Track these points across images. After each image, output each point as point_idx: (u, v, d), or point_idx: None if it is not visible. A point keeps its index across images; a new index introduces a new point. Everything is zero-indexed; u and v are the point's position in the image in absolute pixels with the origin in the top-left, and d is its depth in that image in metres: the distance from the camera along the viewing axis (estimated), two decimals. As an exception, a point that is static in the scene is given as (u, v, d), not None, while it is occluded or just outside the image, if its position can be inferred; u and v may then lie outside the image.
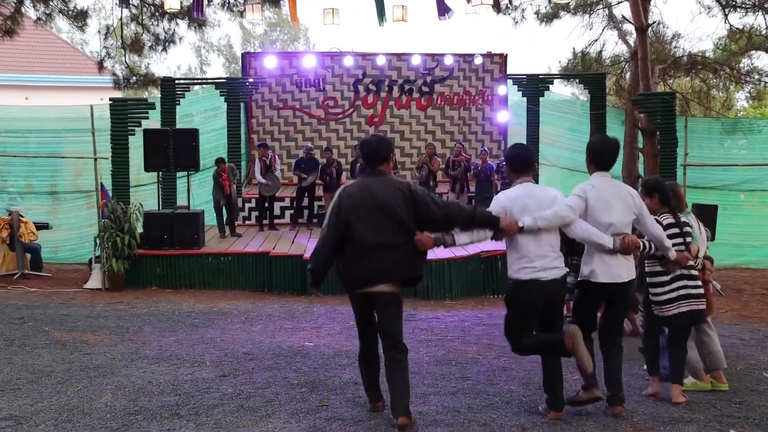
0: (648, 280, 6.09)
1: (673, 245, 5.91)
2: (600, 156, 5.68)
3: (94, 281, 12.84)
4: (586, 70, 20.08)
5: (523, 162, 5.60)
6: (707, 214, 13.02)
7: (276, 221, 15.59)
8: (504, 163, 16.22)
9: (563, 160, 19.53)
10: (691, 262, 6.04)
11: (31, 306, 10.83)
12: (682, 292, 5.98)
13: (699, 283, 6.14)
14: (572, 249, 6.79)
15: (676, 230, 6.04)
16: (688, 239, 6.10)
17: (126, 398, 5.98)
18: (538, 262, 5.33)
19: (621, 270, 5.53)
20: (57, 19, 18.03)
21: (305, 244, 13.60)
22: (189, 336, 8.65)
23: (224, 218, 14.60)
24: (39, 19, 17.29)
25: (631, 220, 5.62)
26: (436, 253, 12.57)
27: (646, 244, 5.77)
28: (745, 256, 16.99)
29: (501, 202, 5.45)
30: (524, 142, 17.75)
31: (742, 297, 12.55)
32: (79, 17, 17.34)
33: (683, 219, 6.21)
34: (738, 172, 17.48)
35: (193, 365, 7.16)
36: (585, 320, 5.65)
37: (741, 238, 17.14)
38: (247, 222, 16.29)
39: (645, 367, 6.52)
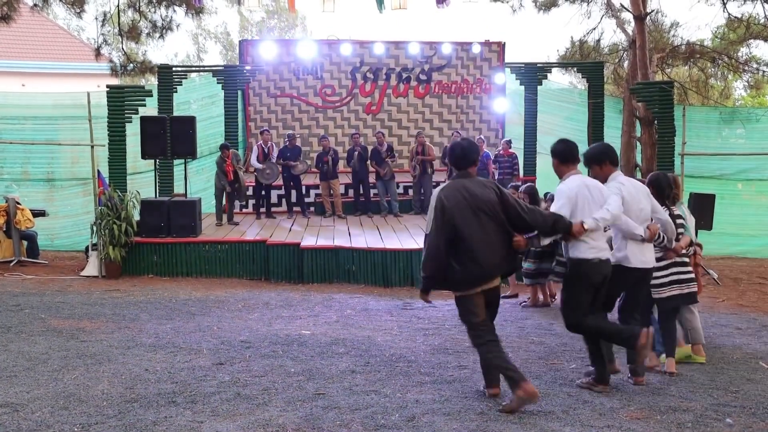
0: None
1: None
2: (615, 154, 6.39)
3: (91, 269, 12.83)
4: (584, 59, 20.06)
5: (570, 154, 6.07)
6: (705, 204, 13.07)
7: (273, 209, 15.57)
8: (500, 153, 16.26)
9: (561, 149, 19.50)
10: (683, 251, 6.81)
11: (27, 293, 10.82)
12: (674, 277, 6.74)
13: (690, 269, 6.91)
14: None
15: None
16: (681, 230, 6.78)
17: (122, 386, 5.98)
18: (600, 242, 5.89)
19: (649, 256, 6.24)
20: (54, 5, 17.92)
21: (302, 232, 13.59)
22: (186, 324, 8.65)
23: (223, 205, 14.57)
24: (36, 5, 17.18)
25: (650, 212, 6.28)
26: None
27: (660, 233, 6.42)
28: (743, 245, 17.02)
29: (567, 196, 5.87)
30: (521, 130, 17.79)
31: (739, 286, 12.58)
32: (76, 3, 17.23)
33: (677, 211, 6.90)
34: (736, 162, 17.49)
35: (190, 353, 7.16)
36: (609, 301, 6.23)
37: (738, 228, 17.16)
38: (244, 210, 16.27)
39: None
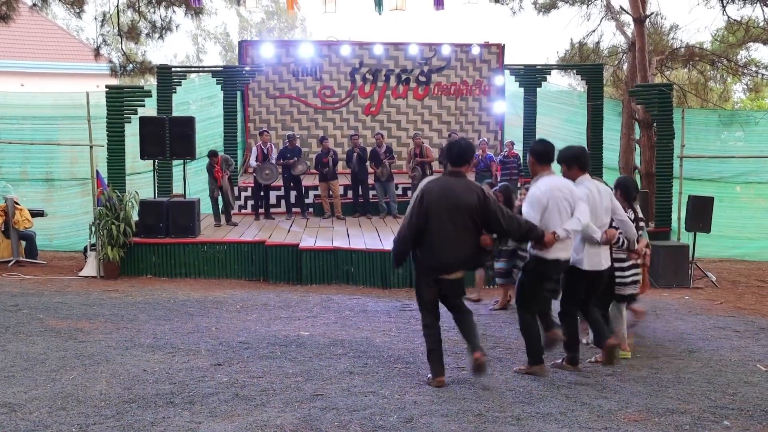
0: (614, 265, 6.96)
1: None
2: (587, 159, 6.72)
3: (90, 269, 12.82)
4: (583, 61, 20.07)
5: (546, 155, 6.38)
6: (703, 207, 13.09)
7: (272, 210, 15.57)
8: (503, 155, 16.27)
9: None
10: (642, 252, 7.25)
11: (25, 293, 10.81)
12: (636, 278, 7.25)
13: (640, 270, 7.38)
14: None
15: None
16: (641, 233, 7.26)
17: (121, 386, 5.98)
18: (565, 242, 6.27)
19: (603, 258, 6.58)
20: (53, 5, 17.94)
21: (301, 233, 13.59)
22: (184, 324, 8.65)
23: (220, 207, 14.57)
24: (35, 5, 17.20)
25: (610, 215, 6.63)
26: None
27: (620, 236, 6.81)
28: (741, 248, 17.03)
29: (538, 202, 6.19)
30: (521, 132, 17.81)
31: (738, 289, 12.57)
32: (76, 3, 17.25)
33: (641, 214, 7.44)
34: (734, 164, 17.52)
35: (188, 354, 7.16)
36: (573, 300, 6.69)
37: (737, 231, 17.19)
38: (242, 211, 16.27)
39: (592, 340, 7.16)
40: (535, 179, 6.41)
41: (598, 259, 6.52)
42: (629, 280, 7.17)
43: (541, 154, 6.39)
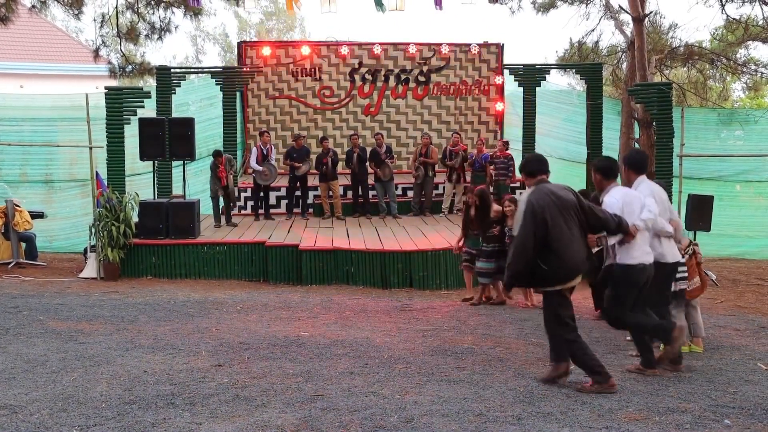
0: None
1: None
2: (644, 162, 7.16)
3: (90, 270, 12.82)
4: (582, 61, 20.07)
5: (612, 170, 6.68)
6: (703, 205, 13.08)
7: (271, 211, 15.57)
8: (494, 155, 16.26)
9: (559, 150, 19.54)
10: None
11: (25, 295, 10.81)
12: (682, 274, 7.37)
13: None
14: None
15: None
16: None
17: (121, 387, 5.98)
18: (645, 247, 6.48)
19: (676, 250, 6.94)
20: (52, 6, 17.97)
21: (300, 233, 13.59)
22: (184, 325, 8.64)
23: (221, 208, 14.58)
24: (34, 6, 17.21)
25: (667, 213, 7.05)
26: (431, 243, 12.60)
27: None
28: (741, 246, 17.04)
29: (617, 206, 6.40)
30: (520, 132, 17.80)
31: (738, 288, 12.59)
32: (75, 5, 17.25)
33: None
34: (734, 163, 17.51)
35: (189, 355, 7.16)
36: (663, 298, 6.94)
37: (736, 229, 17.19)
38: (242, 212, 16.27)
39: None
40: (605, 191, 6.67)
41: (676, 251, 6.88)
42: (683, 275, 7.38)
43: (607, 169, 6.69)
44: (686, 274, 7.40)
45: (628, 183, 6.90)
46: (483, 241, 10.45)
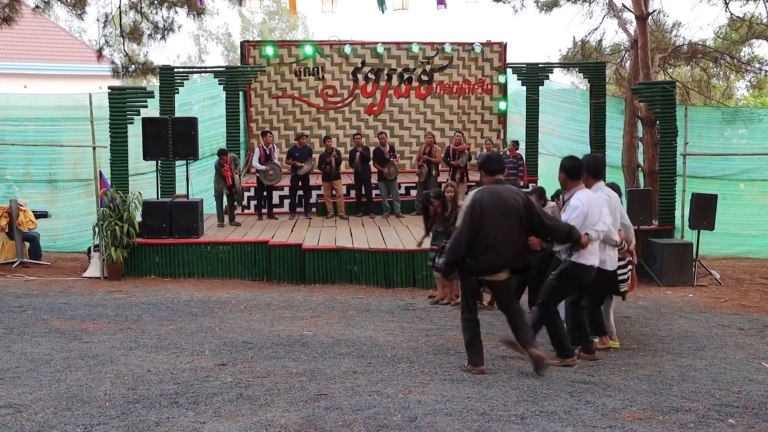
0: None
1: None
2: (601, 167, 7.47)
3: (93, 270, 12.84)
4: (585, 59, 20.04)
5: (577, 171, 6.95)
6: (707, 204, 13.07)
7: (275, 210, 15.57)
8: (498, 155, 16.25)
9: (563, 149, 19.46)
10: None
11: (30, 294, 10.83)
12: (626, 276, 7.77)
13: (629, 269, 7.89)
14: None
15: None
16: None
17: (125, 386, 5.98)
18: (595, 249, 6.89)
19: (616, 259, 7.33)
20: (55, 6, 18.00)
21: (304, 233, 13.59)
22: (188, 325, 8.65)
23: (224, 207, 14.58)
24: (37, 6, 17.22)
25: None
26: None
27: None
28: (745, 245, 17.00)
29: (580, 210, 6.70)
30: (523, 131, 17.78)
31: (742, 287, 12.56)
32: (78, 5, 17.27)
33: None
34: (738, 162, 17.48)
35: (192, 354, 7.17)
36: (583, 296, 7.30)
37: (740, 228, 17.15)
38: (246, 211, 16.27)
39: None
40: (570, 192, 6.97)
41: (615, 260, 7.24)
42: (625, 277, 7.69)
43: (573, 169, 6.96)
44: (627, 276, 7.71)
45: (586, 187, 7.05)
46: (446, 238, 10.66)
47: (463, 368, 6.55)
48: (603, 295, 7.62)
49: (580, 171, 6.96)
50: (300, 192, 15.64)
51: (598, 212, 6.76)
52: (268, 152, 15.09)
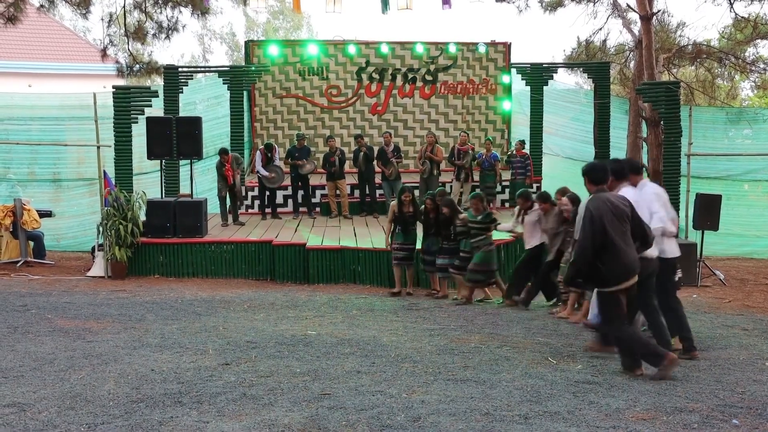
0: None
1: None
2: (638, 166, 7.74)
3: (97, 269, 12.85)
4: (590, 59, 20.04)
5: (623, 171, 7.14)
6: (711, 204, 13.05)
7: (279, 210, 15.58)
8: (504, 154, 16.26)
9: (567, 149, 19.51)
10: None
11: (34, 293, 10.85)
12: None
13: None
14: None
15: None
16: None
17: (129, 386, 5.99)
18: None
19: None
20: (60, 6, 18.01)
21: (308, 232, 13.60)
22: (192, 324, 8.66)
23: (227, 207, 14.60)
24: (42, 6, 17.26)
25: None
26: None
27: None
28: (749, 246, 16.97)
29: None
30: (527, 131, 17.77)
31: (746, 287, 12.53)
32: (82, 4, 17.31)
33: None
34: (742, 162, 17.45)
35: (196, 353, 7.17)
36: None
37: (745, 228, 17.13)
38: (249, 210, 16.29)
39: None
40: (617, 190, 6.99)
41: (676, 249, 7.42)
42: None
43: (619, 171, 7.10)
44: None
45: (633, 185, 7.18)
46: (444, 240, 10.95)
47: (657, 374, 6.38)
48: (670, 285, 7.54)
49: (624, 171, 7.13)
50: (301, 192, 15.65)
51: (646, 212, 6.91)
52: (269, 155, 15.07)
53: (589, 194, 6.68)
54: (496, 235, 11.22)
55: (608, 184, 6.88)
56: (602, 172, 6.69)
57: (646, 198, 7.03)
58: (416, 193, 16.45)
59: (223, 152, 14.33)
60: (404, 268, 11.47)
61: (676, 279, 7.80)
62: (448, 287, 11.17)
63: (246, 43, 19.62)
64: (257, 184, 15.66)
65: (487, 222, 10.41)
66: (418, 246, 11.43)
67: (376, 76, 18.99)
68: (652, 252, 6.85)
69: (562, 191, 9.81)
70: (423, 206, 11.34)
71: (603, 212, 6.36)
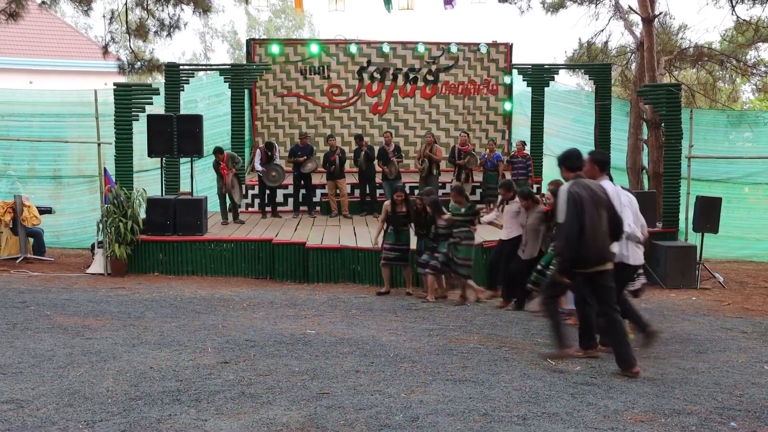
0: None
1: None
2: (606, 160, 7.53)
3: (97, 266, 12.86)
4: (591, 61, 20.04)
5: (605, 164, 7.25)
6: (711, 207, 13.05)
7: (279, 208, 15.58)
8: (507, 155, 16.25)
9: (567, 150, 19.47)
10: None
11: (33, 290, 10.85)
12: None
13: None
14: None
15: None
16: None
17: (127, 383, 5.99)
18: None
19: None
20: (61, 2, 18.00)
21: (307, 231, 13.59)
22: (191, 322, 8.66)
23: (228, 205, 14.59)
24: (44, 2, 17.26)
25: None
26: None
27: None
28: (749, 249, 16.99)
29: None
30: (528, 132, 17.76)
31: (745, 290, 12.54)
32: (84, 1, 17.31)
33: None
34: (743, 165, 17.46)
35: (195, 351, 7.17)
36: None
37: (744, 231, 17.14)
38: (249, 209, 16.29)
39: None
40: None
41: (641, 257, 7.41)
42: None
43: (603, 163, 7.21)
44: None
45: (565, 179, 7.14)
46: (430, 239, 10.94)
47: (553, 354, 6.82)
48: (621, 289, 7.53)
49: (607, 163, 7.29)
50: (303, 191, 15.65)
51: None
52: (269, 154, 15.07)
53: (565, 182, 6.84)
54: (488, 237, 11.27)
55: (591, 174, 7.01)
56: (578, 160, 6.81)
57: (618, 201, 7.05)
58: (416, 192, 16.55)
59: (217, 151, 14.33)
60: (394, 268, 11.49)
61: (639, 287, 8.12)
62: (448, 288, 11.17)
63: (247, 41, 19.61)
64: (257, 183, 15.65)
65: (470, 214, 10.50)
66: (413, 246, 11.42)
67: (377, 75, 18.99)
68: (616, 252, 6.90)
69: (555, 183, 9.88)
70: (413, 206, 11.30)
71: (582, 195, 6.49)
